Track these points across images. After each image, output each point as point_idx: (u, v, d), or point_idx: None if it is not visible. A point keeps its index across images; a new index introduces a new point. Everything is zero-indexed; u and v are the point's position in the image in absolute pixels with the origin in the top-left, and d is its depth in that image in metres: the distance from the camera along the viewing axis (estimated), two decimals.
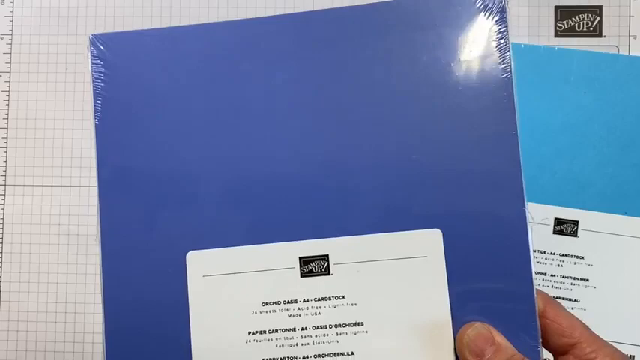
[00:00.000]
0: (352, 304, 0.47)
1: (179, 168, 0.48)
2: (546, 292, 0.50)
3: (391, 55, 0.48)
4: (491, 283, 0.46)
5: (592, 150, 0.69)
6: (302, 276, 0.47)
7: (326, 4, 0.48)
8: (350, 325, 0.47)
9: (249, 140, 0.48)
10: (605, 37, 0.72)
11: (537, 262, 0.69)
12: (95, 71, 0.49)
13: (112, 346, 0.48)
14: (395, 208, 0.47)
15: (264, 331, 0.47)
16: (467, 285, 0.47)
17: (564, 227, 0.69)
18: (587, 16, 0.72)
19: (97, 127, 0.48)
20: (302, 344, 0.47)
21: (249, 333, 0.47)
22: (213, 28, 0.50)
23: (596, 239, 0.68)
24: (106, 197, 0.48)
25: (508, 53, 0.47)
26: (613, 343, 0.48)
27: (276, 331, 0.47)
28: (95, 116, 0.48)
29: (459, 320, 0.46)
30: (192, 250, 0.47)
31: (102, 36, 0.49)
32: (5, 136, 0.75)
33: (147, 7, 0.75)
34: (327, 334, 0.47)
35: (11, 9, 0.76)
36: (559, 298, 0.68)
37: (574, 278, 0.68)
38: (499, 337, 0.45)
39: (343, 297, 0.47)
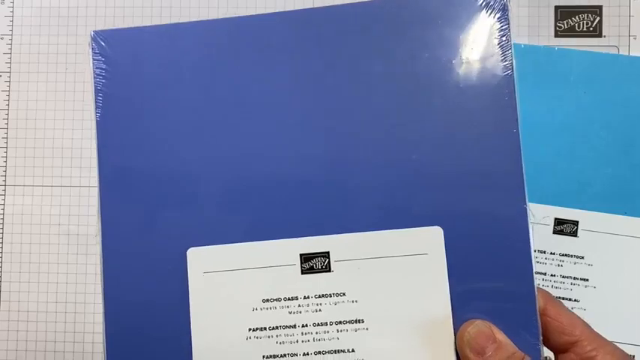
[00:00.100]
0: (353, 302, 0.47)
1: (180, 164, 0.48)
2: (548, 291, 0.50)
3: (392, 52, 0.48)
4: (492, 281, 0.46)
5: (592, 150, 0.69)
6: (303, 273, 0.47)
7: (326, 1, 0.48)
8: (350, 322, 0.47)
9: (251, 137, 0.48)
10: (605, 37, 0.72)
11: (537, 262, 0.69)
12: (96, 67, 0.49)
13: (113, 343, 0.47)
14: (396, 206, 0.47)
15: (265, 328, 0.47)
16: (468, 283, 0.47)
17: (564, 227, 0.69)
18: (587, 16, 0.72)
19: (97, 123, 0.48)
20: (302, 341, 0.47)
21: (250, 330, 0.47)
22: (213, 25, 0.50)
23: (596, 239, 0.68)
24: (107, 193, 0.48)
25: (510, 51, 0.47)
26: (614, 343, 0.48)
27: (277, 328, 0.47)
28: (96, 112, 0.48)
29: (459, 318, 0.46)
30: (193, 246, 0.47)
31: (103, 32, 0.49)
32: (5, 136, 0.75)
33: (147, 6, 0.75)
34: (328, 332, 0.47)
35: (11, 9, 0.76)
36: (559, 298, 0.68)
37: (574, 278, 0.69)
38: (500, 335, 0.45)
39: (344, 294, 0.47)
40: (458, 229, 0.47)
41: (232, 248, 0.47)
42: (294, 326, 0.47)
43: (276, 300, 0.47)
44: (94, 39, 0.49)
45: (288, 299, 0.47)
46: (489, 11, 0.48)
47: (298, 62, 0.48)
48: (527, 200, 0.47)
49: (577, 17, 0.72)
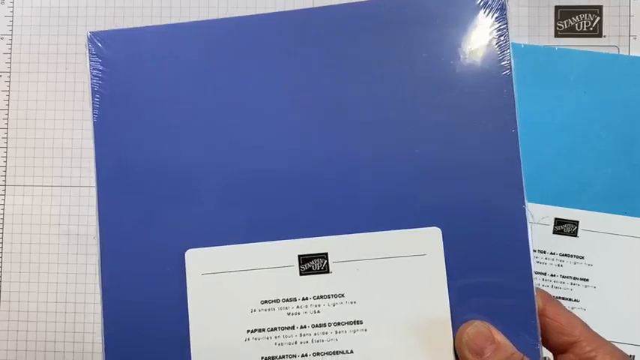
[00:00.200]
0: (351, 303, 0.47)
1: (178, 165, 0.48)
2: (547, 292, 0.50)
3: (391, 52, 0.48)
4: (491, 282, 0.46)
5: (592, 150, 0.69)
6: (301, 274, 0.47)
7: (326, 1, 0.48)
8: (349, 323, 0.47)
9: (248, 138, 0.48)
10: (605, 37, 0.72)
11: (537, 262, 0.69)
12: (93, 69, 0.49)
13: (112, 344, 0.47)
14: (394, 207, 0.47)
15: (263, 330, 0.47)
16: (466, 283, 0.47)
17: (564, 227, 0.69)
18: (587, 16, 0.72)
19: (95, 124, 0.48)
20: (301, 342, 0.47)
21: (248, 331, 0.47)
22: (211, 25, 0.49)
23: (596, 239, 0.68)
24: (105, 195, 0.48)
25: (508, 50, 0.47)
26: (613, 343, 0.48)
27: (275, 329, 0.47)
28: (93, 114, 0.48)
29: (458, 319, 0.46)
30: (191, 248, 0.47)
31: (100, 33, 0.49)
32: (5, 136, 0.75)
33: (147, 7, 0.75)
34: (326, 333, 0.47)
35: (11, 9, 0.76)
36: (559, 298, 0.68)
37: (574, 278, 0.69)
38: (499, 336, 0.45)
39: (342, 295, 0.47)
40: (456, 230, 0.47)
41: (231, 249, 0.47)
42: (293, 327, 0.47)
43: (274, 301, 0.47)
44: (90, 40, 0.49)
45: (287, 300, 0.47)
46: (487, 11, 0.47)
47: (297, 62, 0.48)
48: (526, 200, 0.47)
49: (577, 17, 0.72)
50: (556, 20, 0.72)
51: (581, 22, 0.72)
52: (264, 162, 0.48)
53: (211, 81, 0.48)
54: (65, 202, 0.74)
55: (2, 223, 0.75)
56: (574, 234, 0.69)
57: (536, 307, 0.46)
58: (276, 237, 0.47)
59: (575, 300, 0.68)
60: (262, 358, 0.47)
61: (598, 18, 0.72)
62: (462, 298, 0.46)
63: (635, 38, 0.72)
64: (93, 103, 0.48)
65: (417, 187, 0.47)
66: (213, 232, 0.48)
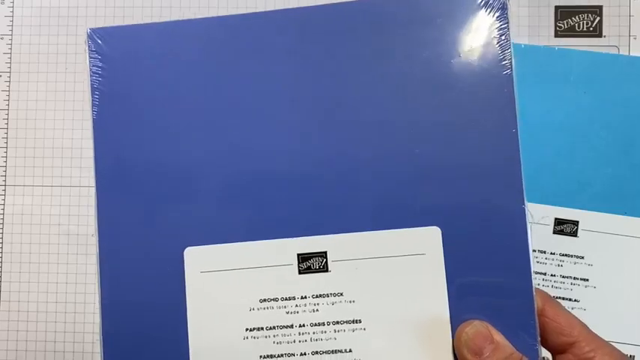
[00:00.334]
0: (350, 302, 0.47)
1: (177, 164, 0.48)
2: (546, 292, 0.50)
3: (392, 50, 0.48)
4: (490, 282, 0.46)
5: (592, 150, 0.69)
6: (300, 273, 0.47)
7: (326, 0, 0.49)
8: (348, 322, 0.47)
9: (248, 136, 0.48)
10: (605, 37, 0.72)
11: (537, 262, 0.69)
12: (93, 65, 0.49)
13: (110, 342, 0.47)
14: (394, 206, 0.47)
15: (262, 328, 0.47)
16: (466, 283, 0.47)
17: (564, 227, 0.69)
18: (587, 16, 0.72)
19: (94, 121, 0.48)
20: (300, 341, 0.47)
21: (247, 330, 0.47)
22: (211, 23, 0.49)
23: (596, 239, 0.68)
24: (104, 192, 0.48)
25: (509, 50, 0.47)
26: (613, 343, 0.48)
27: (274, 327, 0.47)
28: (93, 111, 0.48)
29: (457, 318, 0.46)
30: (190, 246, 0.47)
31: (100, 30, 0.49)
32: (5, 136, 0.75)
33: (147, 6, 0.75)
34: (325, 332, 0.47)
35: (11, 9, 0.76)
36: (559, 298, 0.68)
37: (574, 278, 0.68)
38: (498, 336, 0.45)
39: (341, 294, 0.47)
40: (456, 229, 0.47)
41: (229, 248, 0.47)
42: (292, 326, 0.47)
43: (273, 300, 0.47)
44: (90, 37, 0.49)
45: (286, 299, 0.47)
46: (489, 10, 0.47)
47: (297, 60, 0.48)
48: (525, 200, 0.47)
49: (577, 17, 0.72)
50: (556, 20, 0.72)
51: (581, 22, 0.72)
52: (263, 160, 0.48)
53: (211, 79, 0.48)
54: (65, 202, 0.74)
55: (2, 223, 0.75)
56: (574, 234, 0.68)
57: (536, 307, 0.46)
58: (275, 235, 0.47)
59: (575, 300, 0.68)
60: (261, 356, 0.47)
61: (598, 18, 0.72)
62: (461, 297, 0.46)
63: (635, 38, 0.72)
64: (92, 100, 0.48)
65: (417, 187, 0.47)
66: (212, 231, 0.48)
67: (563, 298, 0.68)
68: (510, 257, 0.47)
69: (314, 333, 0.47)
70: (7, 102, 0.75)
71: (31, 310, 0.73)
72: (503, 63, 0.47)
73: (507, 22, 0.48)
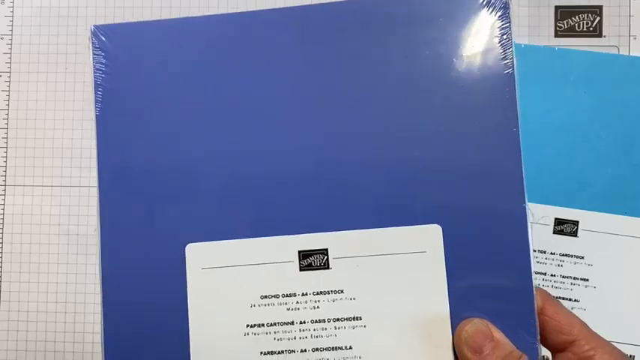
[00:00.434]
0: (351, 299, 0.47)
1: (179, 160, 0.48)
2: (546, 291, 0.50)
3: (393, 49, 0.48)
4: (491, 280, 0.46)
5: (592, 150, 0.69)
6: (301, 270, 0.47)
7: None
8: (348, 319, 0.47)
9: (250, 133, 0.48)
10: (605, 37, 0.72)
11: (537, 262, 0.69)
12: (96, 62, 0.49)
13: (111, 338, 0.48)
14: (395, 203, 0.47)
15: (263, 325, 0.47)
16: (466, 281, 0.47)
17: (564, 227, 0.69)
18: (587, 16, 0.72)
19: (97, 118, 0.48)
20: (300, 338, 0.47)
21: (248, 326, 0.47)
22: (214, 21, 0.49)
23: (596, 239, 0.68)
24: (106, 188, 0.48)
25: (510, 49, 0.47)
26: (613, 343, 0.48)
27: (275, 324, 0.47)
28: (96, 107, 0.48)
29: (457, 316, 0.46)
30: (192, 242, 0.48)
31: (103, 27, 0.49)
32: (5, 136, 0.75)
33: (147, 7, 0.75)
34: (326, 329, 0.47)
35: (11, 9, 0.76)
36: (559, 298, 0.68)
37: (574, 278, 0.68)
38: (497, 334, 0.45)
39: (342, 291, 0.47)
40: (457, 228, 0.47)
41: (231, 244, 0.47)
42: (292, 323, 0.47)
43: (274, 296, 0.47)
44: (94, 33, 0.49)
45: (286, 296, 0.47)
46: (491, 9, 0.48)
47: (299, 59, 0.48)
48: (526, 199, 0.47)
49: (577, 17, 0.72)
50: (556, 20, 0.72)
51: (581, 22, 0.72)
52: (265, 158, 0.48)
53: (214, 76, 0.48)
54: (65, 202, 0.74)
55: (2, 223, 0.75)
56: (574, 234, 0.68)
57: (536, 305, 0.46)
58: (276, 232, 0.47)
59: (575, 300, 0.68)
60: (261, 353, 0.47)
61: (598, 18, 0.72)
62: (461, 295, 0.47)
63: (635, 38, 0.72)
64: (95, 97, 0.48)
65: (418, 185, 0.47)
66: (214, 228, 0.48)
67: (563, 298, 0.68)
68: (511, 256, 0.47)
69: (314, 330, 0.47)
70: (7, 102, 0.75)
71: (31, 310, 0.73)
72: (505, 62, 0.47)
73: (509, 22, 0.48)
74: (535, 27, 0.73)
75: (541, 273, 0.69)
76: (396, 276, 0.47)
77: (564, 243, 0.69)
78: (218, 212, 0.48)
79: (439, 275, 0.47)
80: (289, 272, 0.47)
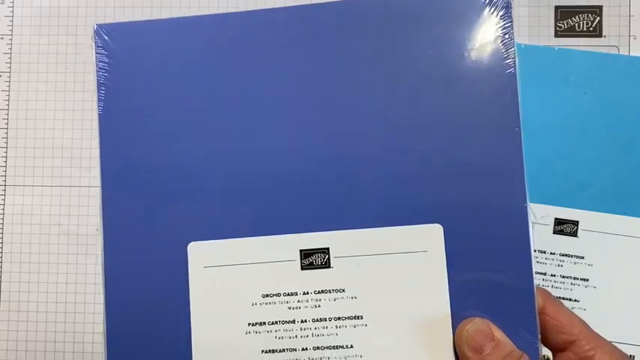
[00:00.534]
0: (352, 298, 0.47)
1: (181, 159, 0.48)
2: (547, 290, 0.50)
3: (396, 49, 0.48)
4: (492, 280, 0.47)
5: (592, 150, 0.69)
6: (302, 269, 0.47)
7: None
8: (349, 318, 0.47)
9: (252, 132, 0.48)
10: (605, 37, 0.72)
11: (537, 262, 0.69)
12: (99, 61, 0.49)
13: (113, 336, 0.48)
14: (396, 203, 0.47)
15: (264, 323, 0.47)
16: (467, 281, 0.47)
17: (564, 227, 0.69)
18: (587, 16, 0.72)
19: (100, 117, 0.49)
20: (301, 336, 0.47)
21: (249, 324, 0.47)
22: (217, 20, 0.49)
23: (596, 239, 0.68)
24: (109, 187, 0.48)
25: (513, 49, 0.47)
26: (613, 343, 0.49)
27: (276, 322, 0.47)
28: (99, 106, 0.48)
29: (458, 315, 0.46)
30: (194, 241, 0.48)
31: (106, 26, 0.49)
32: (5, 136, 0.75)
33: (147, 7, 0.75)
34: (327, 327, 0.47)
35: (11, 9, 0.76)
36: (559, 298, 0.68)
37: (574, 278, 0.68)
38: (498, 333, 0.45)
39: (343, 290, 0.47)
40: (458, 227, 0.47)
41: (233, 243, 0.47)
42: (293, 321, 0.47)
43: (275, 295, 0.47)
44: (97, 32, 0.49)
45: (288, 295, 0.47)
46: (493, 9, 0.48)
47: (301, 58, 0.49)
48: (527, 199, 0.47)
49: (577, 17, 0.72)
50: (556, 20, 0.72)
51: (581, 22, 0.72)
52: (267, 157, 0.48)
53: (216, 75, 0.48)
54: (65, 202, 0.74)
55: (2, 223, 0.75)
56: (574, 234, 0.68)
57: (537, 305, 0.46)
58: (278, 231, 0.47)
59: (575, 300, 0.68)
60: (262, 351, 0.47)
61: (598, 18, 0.72)
62: (462, 295, 0.47)
63: (635, 38, 0.72)
64: (98, 96, 0.48)
65: (420, 184, 0.47)
66: (216, 226, 0.48)
67: (564, 298, 0.68)
68: (512, 255, 0.47)
69: (316, 328, 0.47)
70: (7, 102, 0.75)
71: (31, 310, 0.73)
72: (507, 62, 0.47)
73: (511, 21, 0.48)
74: (535, 27, 0.73)
75: (541, 273, 0.69)
76: (397, 275, 0.47)
77: (564, 243, 0.69)
78: (220, 211, 0.48)
79: (440, 274, 0.47)
80: (291, 271, 0.47)
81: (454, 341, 0.46)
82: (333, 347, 0.47)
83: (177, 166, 0.48)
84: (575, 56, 0.70)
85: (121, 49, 0.49)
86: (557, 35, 0.72)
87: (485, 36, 0.48)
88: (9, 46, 0.76)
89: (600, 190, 0.68)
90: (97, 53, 0.49)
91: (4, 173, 0.75)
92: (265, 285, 0.47)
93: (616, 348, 0.48)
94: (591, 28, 0.72)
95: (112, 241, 0.48)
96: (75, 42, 0.76)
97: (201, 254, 0.47)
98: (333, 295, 0.47)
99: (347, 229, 0.47)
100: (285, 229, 0.47)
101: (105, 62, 0.49)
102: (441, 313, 0.46)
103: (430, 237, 0.47)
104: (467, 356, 0.45)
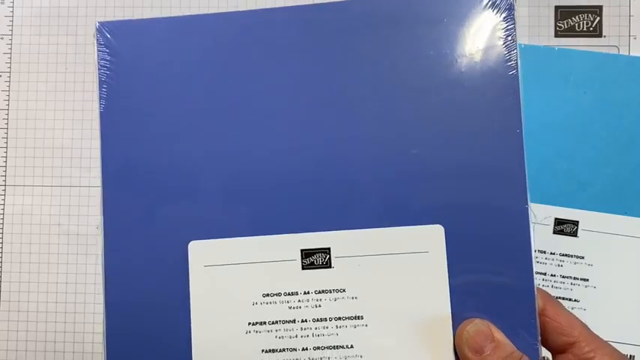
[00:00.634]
0: (352, 298, 0.47)
1: (183, 158, 0.48)
2: (547, 292, 0.50)
3: (398, 49, 0.48)
4: (492, 280, 0.46)
5: (592, 150, 0.69)
6: (303, 268, 0.47)
7: None
8: (350, 318, 0.47)
9: (253, 131, 0.48)
10: (605, 37, 0.72)
11: (537, 262, 0.69)
12: (101, 59, 0.49)
13: (113, 336, 0.48)
14: (397, 203, 0.47)
15: (264, 323, 0.47)
16: (467, 281, 0.47)
17: (564, 227, 0.69)
18: (587, 16, 0.72)
19: (101, 114, 0.49)
20: (301, 336, 0.47)
21: (249, 324, 0.47)
22: (219, 19, 0.49)
23: (596, 239, 0.68)
24: (110, 185, 0.48)
25: (515, 50, 0.47)
26: (613, 343, 0.49)
27: (276, 322, 0.47)
28: (100, 104, 0.48)
29: (458, 316, 0.46)
30: (195, 240, 0.48)
31: (109, 24, 0.49)
32: (5, 136, 0.75)
33: (147, 7, 0.75)
34: (327, 327, 0.47)
35: (11, 9, 0.76)
36: (559, 298, 0.68)
37: (574, 278, 0.69)
38: (498, 334, 0.45)
39: (344, 290, 0.47)
40: (459, 228, 0.47)
41: (234, 242, 0.47)
42: (294, 321, 0.47)
43: (276, 295, 0.47)
44: (99, 30, 0.49)
45: (288, 294, 0.47)
46: (495, 10, 0.47)
47: (302, 58, 0.48)
48: (529, 200, 0.47)
49: (577, 17, 0.72)
50: (556, 20, 0.73)
51: (581, 22, 0.72)
52: (268, 157, 0.48)
53: (218, 74, 0.48)
54: (65, 202, 0.74)
55: (2, 223, 0.75)
56: (574, 234, 0.69)
57: (537, 306, 0.46)
58: (279, 231, 0.47)
59: (575, 300, 0.68)
60: (263, 350, 0.47)
61: (598, 18, 0.72)
62: (462, 295, 0.47)
63: (635, 38, 0.72)
64: (100, 94, 0.48)
65: (421, 185, 0.47)
66: (216, 225, 0.48)
67: (563, 298, 0.68)
68: (512, 256, 0.47)
69: (316, 328, 0.47)
70: (7, 102, 0.75)
71: (31, 310, 0.73)
72: (509, 63, 0.47)
73: (514, 23, 0.48)
74: (535, 27, 0.73)
75: (541, 273, 0.69)
76: (398, 276, 0.47)
77: (564, 243, 0.69)
78: (221, 210, 0.48)
79: (441, 275, 0.47)
80: (291, 271, 0.47)
81: (454, 342, 0.46)
82: (334, 347, 0.47)
83: (179, 164, 0.48)
84: (575, 56, 0.70)
85: (123, 47, 0.49)
86: (557, 35, 0.72)
87: (487, 37, 0.48)
88: (9, 46, 0.76)
89: (600, 190, 0.68)
90: (98, 51, 0.49)
91: (4, 173, 0.75)
92: (266, 284, 0.47)
93: (616, 350, 0.48)
94: (591, 28, 0.72)
95: (112, 240, 0.48)
96: (75, 42, 0.76)
97: (202, 253, 0.47)
98: (334, 295, 0.47)
99: (348, 229, 0.47)
100: (286, 228, 0.47)
101: (107, 60, 0.49)
102: (441, 314, 0.46)
103: (431, 238, 0.47)
104: (467, 357, 0.45)
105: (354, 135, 0.48)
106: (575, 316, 0.49)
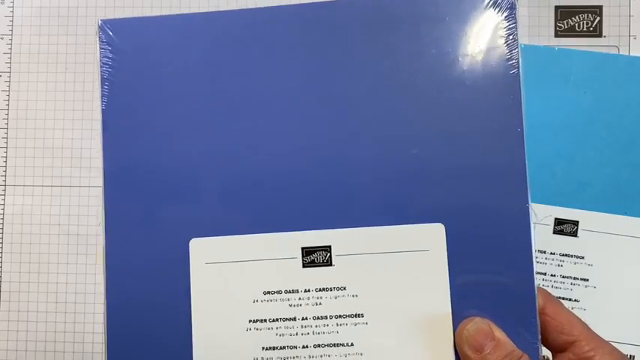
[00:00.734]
0: (353, 296, 0.47)
1: (184, 156, 0.48)
2: (547, 291, 0.50)
3: (399, 48, 0.48)
4: (493, 279, 0.47)
5: (592, 150, 0.69)
6: (304, 266, 0.47)
7: None
8: (350, 316, 0.47)
9: (255, 130, 0.48)
10: (605, 37, 0.72)
11: (537, 262, 0.69)
12: (103, 57, 0.49)
13: (114, 334, 0.48)
14: (398, 202, 0.47)
15: (265, 320, 0.47)
16: (468, 280, 0.47)
17: (564, 227, 0.69)
18: (587, 16, 0.72)
19: (103, 112, 0.49)
20: (302, 334, 0.47)
21: (250, 321, 0.47)
22: (221, 17, 0.49)
23: (596, 239, 0.68)
24: (111, 183, 0.48)
25: (516, 50, 0.47)
26: (613, 343, 0.49)
27: (277, 320, 0.47)
28: (102, 101, 0.49)
29: (459, 315, 0.46)
30: (196, 237, 0.48)
31: (111, 21, 0.49)
32: (5, 136, 0.75)
33: (147, 7, 0.75)
34: (328, 325, 0.47)
35: (11, 9, 0.76)
36: (559, 298, 0.68)
37: (574, 278, 0.68)
38: (499, 333, 0.45)
39: (344, 288, 0.47)
40: (459, 227, 0.47)
41: (235, 240, 0.48)
42: (294, 319, 0.47)
43: (276, 292, 0.47)
44: (101, 28, 0.49)
45: (289, 292, 0.47)
46: (497, 9, 0.48)
47: (304, 56, 0.49)
48: (529, 200, 0.47)
49: (577, 17, 0.72)
50: (556, 20, 0.73)
51: (581, 22, 0.72)
52: (269, 155, 0.48)
53: (219, 73, 0.48)
54: (65, 202, 0.74)
55: (2, 223, 0.75)
56: (574, 234, 0.68)
57: (537, 305, 0.46)
58: (280, 228, 0.48)
59: (575, 300, 0.68)
60: (263, 348, 0.47)
61: (598, 18, 0.72)
62: (463, 294, 0.47)
63: (635, 38, 0.72)
64: (102, 91, 0.49)
65: (422, 184, 0.47)
66: (217, 223, 0.48)
67: (564, 298, 0.68)
68: (513, 255, 0.47)
69: (316, 326, 0.47)
70: (7, 102, 0.75)
71: (31, 310, 0.73)
72: (511, 63, 0.47)
73: (515, 22, 0.48)
74: (535, 27, 0.73)
75: (541, 273, 0.69)
76: (399, 274, 0.47)
77: (564, 243, 0.69)
78: (222, 208, 0.48)
79: (441, 274, 0.47)
80: (292, 268, 0.47)
81: (454, 340, 0.46)
82: (334, 345, 0.47)
83: (180, 162, 0.48)
84: (575, 56, 0.70)
85: (125, 45, 0.49)
86: (557, 35, 0.72)
87: (489, 37, 0.48)
88: (9, 46, 0.76)
89: (600, 190, 0.68)
90: (100, 49, 0.49)
91: (4, 173, 0.75)
92: (266, 282, 0.47)
93: (616, 349, 0.48)
94: (591, 28, 0.72)
95: (113, 237, 0.48)
96: (75, 42, 0.76)
97: (203, 251, 0.47)
98: (334, 292, 0.47)
99: (349, 227, 0.47)
100: (287, 226, 0.47)
101: (109, 57, 0.49)
102: (441, 312, 0.46)
103: (432, 236, 0.47)
104: (467, 355, 0.45)
105: (355, 133, 0.48)
106: (575, 315, 0.49)
